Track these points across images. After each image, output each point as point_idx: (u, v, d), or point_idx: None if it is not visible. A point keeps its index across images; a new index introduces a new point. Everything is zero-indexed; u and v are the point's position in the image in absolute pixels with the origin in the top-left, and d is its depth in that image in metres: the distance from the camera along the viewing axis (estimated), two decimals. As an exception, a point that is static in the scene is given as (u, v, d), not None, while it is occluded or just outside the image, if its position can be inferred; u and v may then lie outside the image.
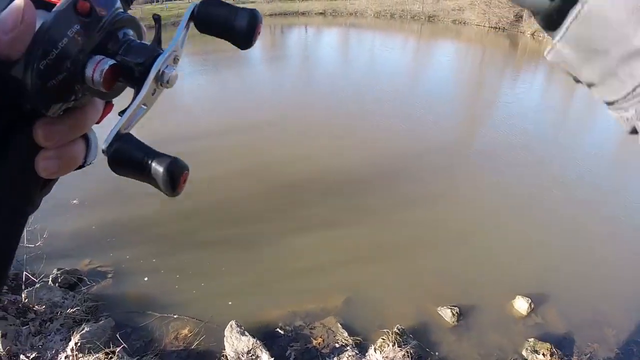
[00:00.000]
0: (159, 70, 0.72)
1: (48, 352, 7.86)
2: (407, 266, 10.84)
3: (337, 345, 8.60)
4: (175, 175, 0.67)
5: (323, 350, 8.51)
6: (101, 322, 8.72)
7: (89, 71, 0.67)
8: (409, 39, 45.49)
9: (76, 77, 0.67)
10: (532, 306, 9.73)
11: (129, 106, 0.71)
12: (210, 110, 21.68)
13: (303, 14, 57.45)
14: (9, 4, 0.62)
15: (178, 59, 0.78)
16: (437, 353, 8.76)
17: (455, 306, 9.58)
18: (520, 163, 16.10)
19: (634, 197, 14.25)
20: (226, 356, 8.15)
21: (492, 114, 22.46)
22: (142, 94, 0.71)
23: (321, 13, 57.18)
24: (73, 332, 8.12)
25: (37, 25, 0.61)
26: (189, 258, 10.55)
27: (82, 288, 9.82)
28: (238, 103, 21.75)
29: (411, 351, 8.26)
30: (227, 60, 33.12)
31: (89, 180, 13.57)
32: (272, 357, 7.91)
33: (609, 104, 0.71)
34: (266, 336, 8.65)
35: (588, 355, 8.92)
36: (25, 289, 9.23)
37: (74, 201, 13.07)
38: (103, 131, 0.76)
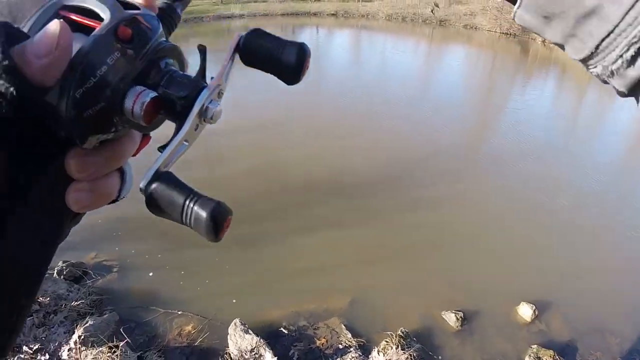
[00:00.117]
0: (203, 105, 0.70)
1: (51, 344, 7.89)
2: (412, 269, 10.83)
3: (340, 346, 8.61)
4: (219, 221, 0.63)
5: (326, 351, 8.51)
6: (105, 316, 8.73)
7: (128, 102, 0.64)
8: (420, 43, 45.41)
9: (115, 108, 0.64)
10: (537, 313, 9.72)
11: (169, 142, 0.69)
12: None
13: (315, 14, 57.32)
14: (44, 25, 0.59)
15: (222, 93, 0.76)
16: (440, 357, 8.77)
17: (459, 310, 9.58)
18: (527, 169, 16.05)
19: (642, 206, 14.21)
20: (229, 354, 8.16)
21: (501, 120, 22.40)
22: (185, 130, 0.68)
23: (333, 14, 57.02)
24: (77, 325, 8.14)
25: (74, 50, 0.58)
26: (194, 255, 10.54)
27: (87, 281, 9.83)
28: (244, 102, 21.75)
29: (414, 354, 8.26)
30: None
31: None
32: (275, 356, 7.91)
33: (580, 61, 0.76)
34: (270, 335, 8.65)
35: (591, 364, 8.93)
36: (30, 281, 9.27)
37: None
38: (139, 163, 0.75)
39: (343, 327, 9.05)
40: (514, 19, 0.79)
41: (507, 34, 46.19)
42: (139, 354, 8.11)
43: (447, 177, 15.20)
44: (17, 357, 7.48)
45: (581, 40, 0.70)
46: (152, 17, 0.70)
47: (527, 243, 11.89)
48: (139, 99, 0.63)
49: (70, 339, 7.86)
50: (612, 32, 0.64)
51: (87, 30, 0.62)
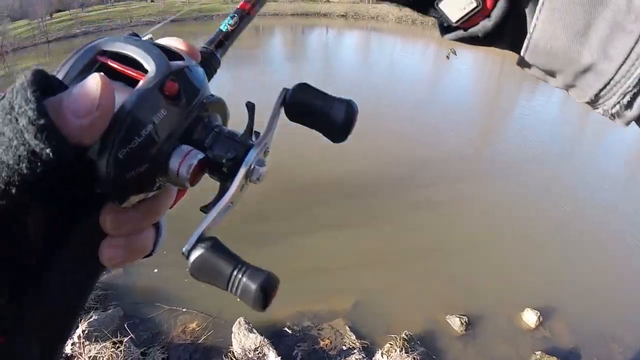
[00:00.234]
0: (250, 166, 0.66)
1: (55, 338, 7.90)
2: (418, 272, 10.82)
3: (344, 348, 8.60)
4: (269, 293, 0.61)
5: (330, 352, 8.51)
6: (110, 311, 8.75)
7: (174, 163, 0.61)
8: (430, 46, 45.44)
9: (159, 168, 0.61)
10: (541, 319, 9.70)
11: (212, 203, 0.66)
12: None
13: (325, 15, 57.48)
14: (82, 71, 0.58)
15: (268, 151, 0.73)
16: (443, 361, 8.78)
17: (464, 315, 9.56)
18: (533, 175, 16.04)
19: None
20: (233, 352, 8.16)
21: (508, 125, 22.40)
22: (231, 193, 0.65)
23: (342, 15, 57.16)
24: (81, 320, 8.13)
25: (117, 105, 0.54)
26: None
27: (93, 276, 9.85)
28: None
29: (418, 358, 8.25)
30: (246, 56, 33.16)
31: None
32: (279, 356, 7.91)
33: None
34: (274, 335, 8.66)
35: (594, 372, 8.93)
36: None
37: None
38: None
39: (347, 328, 9.05)
40: (518, 66, 0.86)
41: (516, 38, 46.24)
42: (142, 350, 8.11)
43: (453, 181, 15.18)
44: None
45: (582, 89, 0.76)
46: (197, 68, 0.67)
47: (533, 249, 11.87)
48: (185, 161, 0.61)
49: (74, 333, 7.85)
50: (608, 83, 0.70)
51: (131, 82, 0.60)
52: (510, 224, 13.00)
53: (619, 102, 0.71)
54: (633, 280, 11.11)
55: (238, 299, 0.61)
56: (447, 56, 14.49)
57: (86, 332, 7.82)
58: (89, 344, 7.65)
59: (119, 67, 0.60)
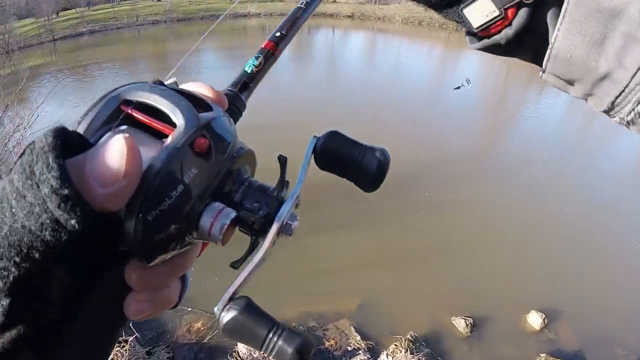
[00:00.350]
0: (283, 222, 0.64)
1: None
2: (423, 274, 10.82)
3: (349, 348, 8.60)
4: (305, 357, 0.57)
5: (335, 353, 8.51)
6: (114, 311, 8.75)
7: (205, 222, 0.59)
8: (436, 47, 45.41)
9: (190, 228, 0.58)
10: (546, 322, 9.70)
11: (243, 259, 0.66)
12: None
13: (331, 15, 57.36)
14: (105, 122, 0.57)
15: (299, 204, 0.71)
16: (448, 363, 8.78)
17: (469, 317, 9.57)
18: (537, 177, 16.04)
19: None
20: (238, 352, 8.15)
21: (513, 127, 22.36)
22: (263, 250, 0.63)
23: (349, 16, 57.11)
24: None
25: (144, 162, 0.51)
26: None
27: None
28: (255, 102, 21.72)
29: (423, 359, 8.26)
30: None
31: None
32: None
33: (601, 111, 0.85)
34: (279, 336, 8.65)
35: (598, 374, 8.93)
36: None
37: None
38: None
39: (352, 329, 9.05)
40: (541, 78, 0.88)
41: (522, 40, 46.15)
42: (147, 349, 8.11)
43: (457, 182, 15.18)
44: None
45: (599, 98, 0.80)
46: (226, 119, 0.65)
47: (538, 251, 11.87)
48: (218, 221, 0.59)
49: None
50: (623, 91, 0.74)
51: (157, 134, 0.58)
52: (515, 225, 13.00)
53: (633, 109, 0.75)
54: (637, 284, 11.09)
55: None
56: (458, 87, 14.60)
57: (91, 331, 7.82)
58: (94, 343, 7.66)
59: (145, 120, 0.58)
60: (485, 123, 22.39)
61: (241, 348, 8.17)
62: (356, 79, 29.04)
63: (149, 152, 0.54)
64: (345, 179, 0.75)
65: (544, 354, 9.03)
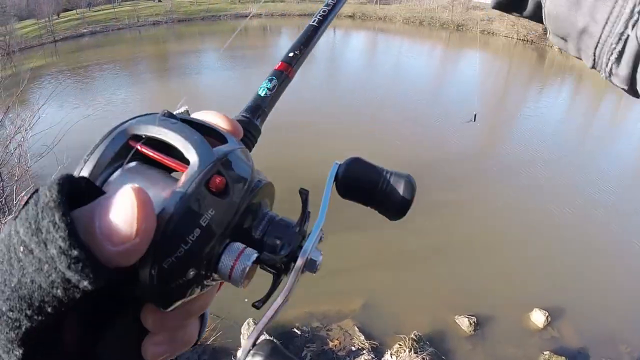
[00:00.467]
0: (307, 259, 0.61)
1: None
2: (426, 273, 10.83)
3: (353, 349, 8.60)
4: None
5: (339, 353, 8.51)
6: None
7: (225, 265, 0.55)
8: (436, 47, 45.47)
9: (209, 271, 0.55)
10: (549, 319, 9.71)
11: (265, 300, 0.62)
12: (229, 108, 21.68)
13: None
14: (114, 159, 0.55)
15: (323, 237, 0.66)
16: (452, 361, 8.78)
17: (472, 315, 9.57)
18: (539, 177, 16.13)
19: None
20: (242, 354, 8.14)
21: (513, 127, 22.40)
22: (287, 290, 0.61)
23: (350, 16, 57.09)
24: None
25: (156, 205, 0.48)
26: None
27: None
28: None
29: (427, 358, 8.27)
30: (255, 57, 33.16)
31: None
32: (286, 356, 7.90)
33: (593, 69, 0.94)
34: (283, 336, 8.64)
35: (602, 371, 8.94)
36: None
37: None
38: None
39: (356, 329, 9.05)
40: (549, 39, 1.02)
41: (524, 40, 46.14)
42: (150, 350, 8.10)
43: (459, 182, 15.19)
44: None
45: (585, 52, 0.91)
46: (242, 152, 0.61)
47: (538, 251, 11.90)
48: (239, 263, 0.55)
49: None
50: (598, 43, 0.86)
51: (169, 170, 0.56)
52: (515, 225, 13.02)
53: (609, 59, 0.85)
54: (638, 283, 11.11)
55: None
56: (469, 121, 14.73)
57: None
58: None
59: (156, 157, 0.56)
60: (486, 123, 22.38)
61: (244, 349, 8.16)
62: (357, 79, 29.07)
63: (162, 193, 0.52)
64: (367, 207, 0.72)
65: (547, 352, 9.06)
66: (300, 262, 0.60)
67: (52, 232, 0.40)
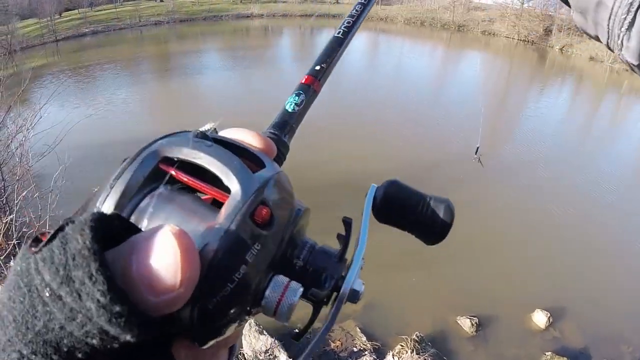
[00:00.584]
0: (350, 289, 0.58)
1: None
2: (428, 274, 10.84)
3: (355, 349, 8.60)
4: None
5: (341, 354, 8.51)
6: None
7: (270, 301, 0.52)
8: (438, 48, 45.51)
9: (252, 307, 0.52)
10: (551, 320, 9.72)
11: (305, 331, 0.61)
12: (229, 108, 21.76)
13: (334, 16, 57.41)
14: (144, 184, 0.51)
15: (364, 264, 0.62)
16: (454, 362, 8.78)
17: (474, 316, 9.57)
18: (539, 177, 16.17)
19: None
20: (244, 354, 8.15)
21: (514, 127, 22.41)
22: (330, 323, 0.58)
23: (352, 16, 57.22)
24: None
25: (198, 243, 0.44)
26: None
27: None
28: (260, 104, 21.76)
29: (429, 359, 8.26)
30: (256, 58, 33.20)
31: (110, 168, 13.56)
32: (289, 357, 7.90)
33: (608, 48, 0.95)
34: (284, 337, 8.62)
35: (604, 372, 8.95)
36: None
37: (95, 189, 13.06)
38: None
39: (358, 330, 9.05)
40: (572, 18, 1.03)
41: (524, 40, 46.19)
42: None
43: (462, 184, 15.19)
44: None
45: (601, 25, 0.91)
46: (284, 176, 0.58)
47: (539, 252, 11.91)
48: (285, 300, 0.52)
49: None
50: (611, 14, 0.86)
51: (214, 202, 0.52)
52: (515, 225, 13.04)
53: (621, 30, 0.85)
54: (639, 283, 11.12)
55: None
56: (475, 159, 14.82)
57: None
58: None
59: (191, 183, 0.52)
60: (487, 123, 22.39)
61: (247, 350, 8.19)
62: (358, 79, 29.11)
63: (201, 224, 0.48)
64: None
65: (549, 352, 9.06)
66: (343, 293, 0.58)
67: (88, 284, 0.36)
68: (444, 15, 53.99)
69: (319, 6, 60.77)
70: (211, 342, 0.50)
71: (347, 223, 0.64)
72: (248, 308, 0.51)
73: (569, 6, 1.00)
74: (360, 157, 16.38)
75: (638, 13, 0.81)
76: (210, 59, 35.24)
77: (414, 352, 8.29)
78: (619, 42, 0.85)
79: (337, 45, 0.95)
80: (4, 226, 9.79)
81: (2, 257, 9.40)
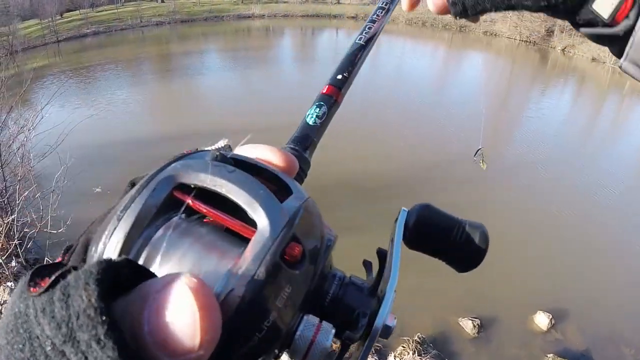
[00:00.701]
0: (383, 324, 0.52)
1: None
2: (429, 275, 10.72)
3: (356, 350, 8.60)
4: None
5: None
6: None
7: (301, 345, 0.48)
8: (439, 48, 45.45)
9: (280, 351, 0.49)
10: (553, 322, 9.70)
11: None
12: (229, 108, 21.74)
13: (335, 17, 57.51)
14: (157, 213, 0.45)
15: (395, 296, 0.56)
16: (456, 364, 8.77)
17: (476, 318, 9.56)
18: (541, 178, 16.15)
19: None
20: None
21: (515, 128, 22.34)
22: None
23: (353, 17, 57.09)
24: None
25: (220, 287, 0.40)
26: None
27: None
28: (257, 103, 21.72)
29: (430, 360, 8.24)
30: (257, 58, 33.18)
31: (111, 169, 13.60)
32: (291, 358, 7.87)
33: None
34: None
35: (605, 374, 8.94)
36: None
37: (97, 189, 13.12)
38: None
39: (359, 330, 9.05)
40: (620, 68, 0.90)
41: (526, 41, 46.11)
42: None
43: (464, 184, 15.17)
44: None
45: None
46: (312, 204, 0.52)
47: (539, 252, 11.89)
48: (317, 344, 0.48)
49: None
50: None
51: (240, 237, 0.46)
52: (516, 226, 12.99)
53: None
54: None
55: None
56: (475, 161, 14.82)
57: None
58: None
59: (212, 214, 0.46)
60: (488, 124, 22.36)
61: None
62: (359, 79, 28.42)
63: (223, 262, 0.43)
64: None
65: (551, 354, 9.04)
66: (375, 331, 0.53)
67: (95, 349, 0.31)
68: (445, 15, 53.96)
69: (320, 6, 60.72)
70: None
71: (382, 254, 0.62)
72: (278, 354, 0.49)
73: (619, 56, 0.90)
74: (360, 157, 16.38)
75: None
76: (211, 60, 35.23)
77: (416, 354, 8.28)
78: None
79: (360, 53, 0.89)
80: (6, 226, 9.80)
81: (3, 258, 9.43)
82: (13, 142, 11.45)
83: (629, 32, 0.84)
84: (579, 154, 19.36)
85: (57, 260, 0.43)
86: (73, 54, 39.20)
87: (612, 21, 0.82)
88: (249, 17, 56.12)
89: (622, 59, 0.87)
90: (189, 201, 0.46)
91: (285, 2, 61.09)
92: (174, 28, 52.05)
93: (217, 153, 0.50)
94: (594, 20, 0.84)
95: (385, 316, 0.53)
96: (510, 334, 9.55)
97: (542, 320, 9.74)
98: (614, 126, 24.39)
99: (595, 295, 10.58)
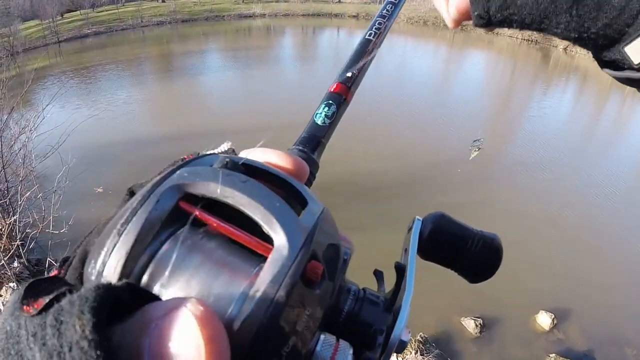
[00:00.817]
0: (398, 340, 0.49)
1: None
2: (431, 275, 10.65)
3: (358, 351, 8.59)
4: None
5: (344, 354, 8.50)
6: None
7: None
8: (441, 47, 45.40)
9: None
10: (555, 322, 9.68)
11: None
12: (229, 108, 21.74)
13: (336, 15, 57.45)
14: (162, 227, 0.40)
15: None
16: (458, 364, 8.75)
17: (478, 317, 9.55)
18: (541, 178, 16.09)
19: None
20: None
21: (517, 128, 22.29)
22: None
23: (354, 16, 57.08)
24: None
25: (233, 310, 0.36)
26: None
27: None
28: (258, 103, 21.70)
29: (433, 360, 8.23)
30: (257, 58, 33.14)
31: (112, 169, 13.59)
32: (292, 358, 7.87)
33: None
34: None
35: (608, 374, 8.92)
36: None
37: (98, 189, 13.11)
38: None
39: (361, 330, 9.04)
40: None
41: (528, 40, 46.00)
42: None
43: (465, 184, 15.16)
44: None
45: None
46: (329, 216, 0.48)
47: (540, 252, 11.88)
48: None
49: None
50: None
51: (255, 254, 0.41)
52: (520, 226, 12.97)
53: None
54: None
55: None
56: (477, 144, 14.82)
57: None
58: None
59: (222, 229, 0.41)
60: (489, 123, 22.36)
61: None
62: (362, 81, 29.09)
63: (236, 282, 0.39)
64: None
65: (553, 354, 9.03)
66: (391, 346, 0.49)
67: None
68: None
69: (321, 5, 60.66)
70: None
71: (400, 269, 0.60)
72: None
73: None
74: (361, 156, 16.35)
75: None
76: (212, 59, 35.19)
77: (418, 353, 8.27)
78: None
79: (370, 50, 0.87)
80: (8, 227, 9.81)
81: (6, 258, 9.43)
82: (15, 142, 11.46)
83: None
84: (581, 153, 19.34)
85: (53, 274, 0.40)
86: (74, 54, 39.19)
87: None
88: (249, 16, 56.11)
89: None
90: (197, 213, 0.41)
91: (286, 2, 61.06)
92: (174, 28, 52.05)
93: (227, 159, 0.46)
94: (621, 62, 0.80)
95: (401, 331, 0.50)
96: (512, 333, 9.54)
97: (544, 320, 9.73)
98: (615, 126, 24.34)
99: (597, 295, 10.56)
